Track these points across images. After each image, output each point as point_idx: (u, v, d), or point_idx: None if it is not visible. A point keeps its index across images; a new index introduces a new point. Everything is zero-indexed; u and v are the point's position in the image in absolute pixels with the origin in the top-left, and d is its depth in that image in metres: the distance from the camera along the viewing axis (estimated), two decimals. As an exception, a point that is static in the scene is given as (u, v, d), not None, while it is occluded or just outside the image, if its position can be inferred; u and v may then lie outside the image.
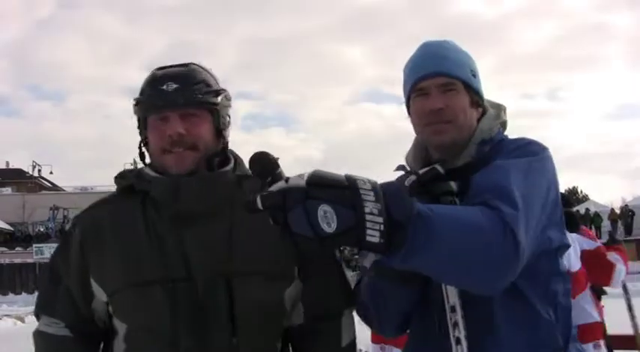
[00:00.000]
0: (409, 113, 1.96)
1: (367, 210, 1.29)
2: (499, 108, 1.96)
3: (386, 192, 1.34)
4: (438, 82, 1.86)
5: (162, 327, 1.79)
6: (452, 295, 1.75)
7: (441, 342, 1.76)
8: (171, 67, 1.93)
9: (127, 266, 1.83)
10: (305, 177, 1.30)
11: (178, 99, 1.84)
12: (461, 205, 1.69)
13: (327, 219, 1.27)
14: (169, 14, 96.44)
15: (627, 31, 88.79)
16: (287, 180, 1.33)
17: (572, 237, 4.64)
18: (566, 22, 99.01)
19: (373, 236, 1.30)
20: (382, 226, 1.31)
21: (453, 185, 1.75)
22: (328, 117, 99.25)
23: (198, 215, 1.85)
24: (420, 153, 1.97)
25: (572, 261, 4.54)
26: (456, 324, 1.74)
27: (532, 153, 1.76)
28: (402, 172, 1.98)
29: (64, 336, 1.91)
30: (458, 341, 1.74)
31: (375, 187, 1.32)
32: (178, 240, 1.83)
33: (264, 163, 1.41)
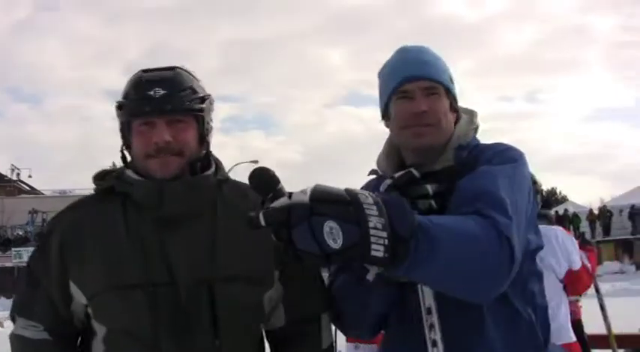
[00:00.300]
0: (384, 116, 1.97)
1: (371, 224, 1.31)
2: (471, 114, 1.98)
3: (388, 206, 1.35)
4: (423, 85, 1.88)
5: (143, 331, 1.78)
6: (428, 297, 1.76)
7: (419, 343, 1.77)
8: (156, 70, 1.92)
9: (108, 268, 1.81)
10: (308, 193, 1.31)
11: (166, 105, 1.83)
12: (446, 211, 1.70)
13: (333, 235, 1.28)
14: (150, 16, 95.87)
15: (607, 34, 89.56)
16: (290, 195, 1.33)
17: (564, 234, 4.65)
18: (547, 25, 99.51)
19: (378, 250, 1.32)
20: (386, 241, 1.32)
21: (429, 188, 1.77)
22: (308, 120, 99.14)
23: (182, 219, 1.85)
24: (393, 157, 1.97)
25: (573, 259, 4.57)
26: (432, 326, 1.75)
27: (512, 159, 1.79)
28: (373, 176, 2.00)
29: (43, 339, 1.89)
30: (434, 343, 1.75)
31: (377, 202, 1.34)
32: (161, 243, 1.82)
33: (265, 179, 1.41)
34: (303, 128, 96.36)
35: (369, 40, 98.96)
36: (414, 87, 1.87)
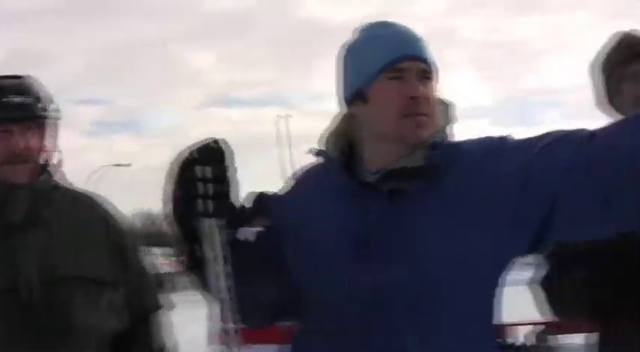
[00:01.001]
0: (357, 99, 1.63)
1: None
2: (447, 105, 1.66)
3: None
4: (420, 67, 1.59)
5: None
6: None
7: None
8: (4, 77, 1.95)
9: None
10: None
11: (23, 112, 1.88)
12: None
13: None
14: (10, 20, 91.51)
15: (472, 35, 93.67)
16: None
17: None
18: (415, 26, 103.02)
19: None
20: None
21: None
22: (176, 122, 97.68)
23: (25, 224, 1.87)
24: (342, 142, 1.66)
25: None
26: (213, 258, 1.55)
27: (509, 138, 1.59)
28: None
29: None
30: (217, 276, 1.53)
31: None
32: (5, 249, 1.84)
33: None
34: (171, 130, 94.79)
35: (238, 42, 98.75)
36: (411, 66, 1.57)
